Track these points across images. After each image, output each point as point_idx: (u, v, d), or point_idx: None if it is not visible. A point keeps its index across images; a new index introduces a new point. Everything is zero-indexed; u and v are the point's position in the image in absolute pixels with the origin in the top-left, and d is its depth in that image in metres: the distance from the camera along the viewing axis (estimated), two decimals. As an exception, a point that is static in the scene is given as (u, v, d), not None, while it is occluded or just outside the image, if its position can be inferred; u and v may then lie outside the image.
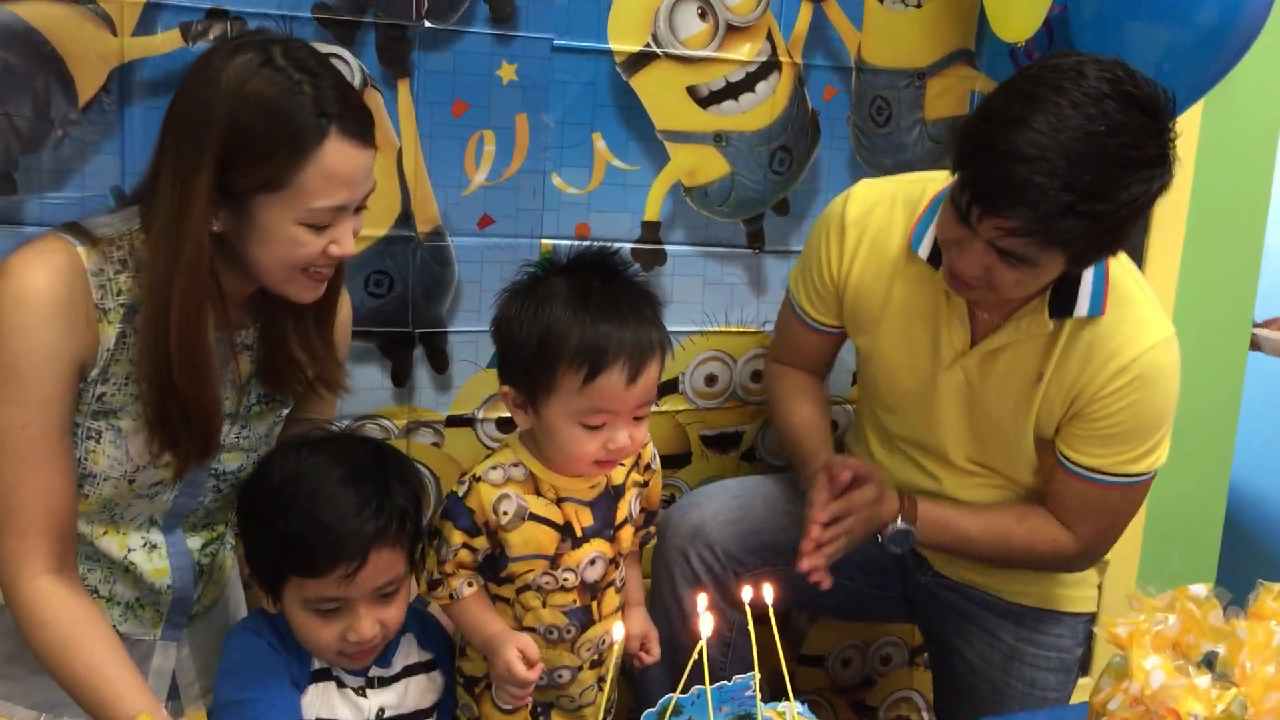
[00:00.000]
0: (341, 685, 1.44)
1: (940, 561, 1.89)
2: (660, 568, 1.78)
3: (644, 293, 1.47)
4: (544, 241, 1.88)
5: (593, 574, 1.51)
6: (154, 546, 1.46)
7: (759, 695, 1.25)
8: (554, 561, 1.48)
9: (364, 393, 1.81)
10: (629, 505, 1.54)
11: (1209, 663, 1.39)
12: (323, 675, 1.44)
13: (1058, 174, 1.38)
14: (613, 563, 1.53)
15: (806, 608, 2.02)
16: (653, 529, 1.64)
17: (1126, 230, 1.48)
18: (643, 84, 1.89)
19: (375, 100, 1.73)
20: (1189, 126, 2.28)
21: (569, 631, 1.51)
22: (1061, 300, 1.61)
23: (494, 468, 1.47)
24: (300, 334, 1.45)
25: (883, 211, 1.73)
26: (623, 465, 1.53)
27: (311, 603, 1.37)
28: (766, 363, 2.00)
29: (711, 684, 1.20)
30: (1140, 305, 1.65)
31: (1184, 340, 1.71)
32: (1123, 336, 1.62)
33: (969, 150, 1.47)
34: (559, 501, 1.48)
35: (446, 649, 1.56)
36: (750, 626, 1.30)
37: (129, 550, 1.44)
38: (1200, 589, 1.43)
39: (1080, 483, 1.69)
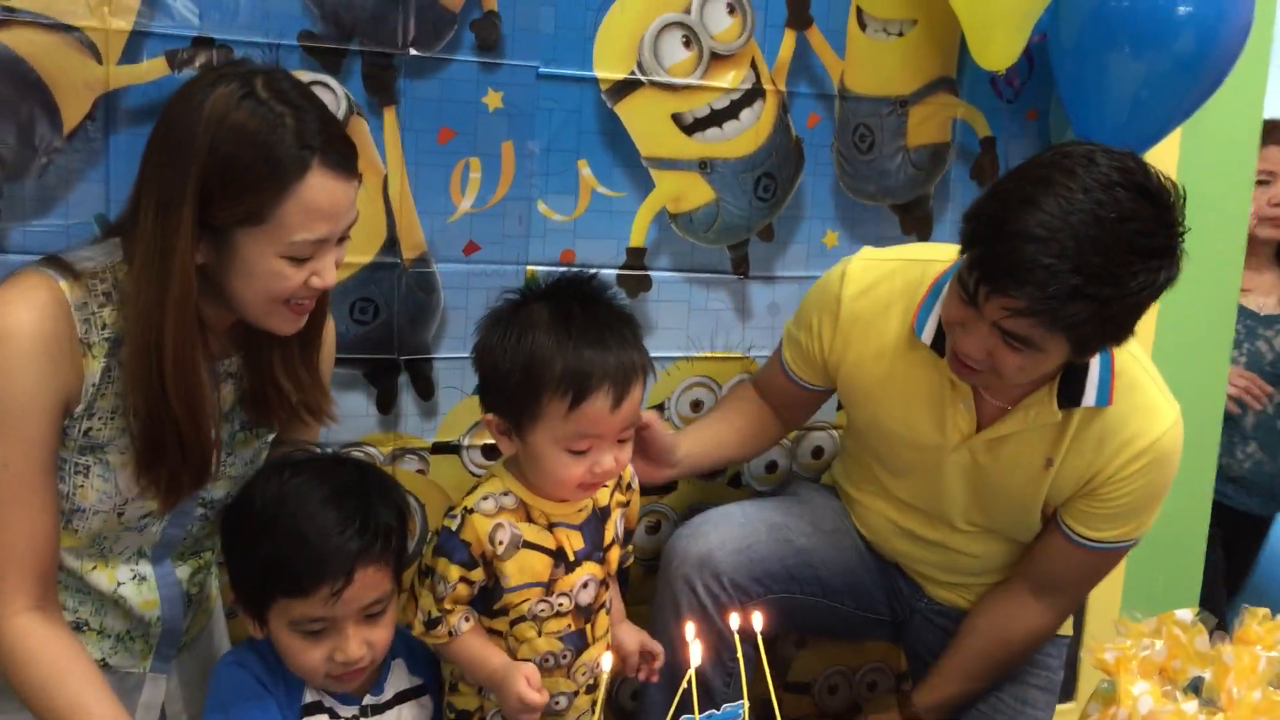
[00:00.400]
0: (335, 717, 1.43)
1: (934, 588, 1.90)
2: (665, 596, 1.76)
3: (624, 316, 1.47)
4: (529, 268, 1.88)
5: (585, 597, 1.51)
6: (143, 579, 1.45)
7: (748, 724, 1.25)
8: (549, 588, 1.48)
9: (349, 420, 1.80)
10: (615, 526, 1.55)
11: (1195, 688, 1.40)
12: (314, 709, 1.42)
13: (1067, 255, 1.39)
14: (602, 584, 1.53)
15: (798, 629, 2.01)
16: (630, 548, 1.64)
17: (1131, 321, 1.49)
18: (628, 111, 1.89)
19: (361, 128, 1.73)
20: (1167, 154, 2.31)
21: (565, 657, 1.50)
22: (1069, 391, 1.62)
23: (485, 498, 1.47)
24: (285, 362, 1.44)
25: (882, 292, 1.73)
26: (606, 486, 1.54)
27: (298, 624, 1.36)
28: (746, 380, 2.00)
29: (704, 712, 1.20)
30: (1147, 391, 1.66)
31: (1165, 362, 1.72)
32: (1135, 426, 1.64)
33: (978, 230, 1.47)
34: (550, 527, 1.48)
35: (435, 674, 1.56)
36: (739, 654, 1.30)
37: (118, 584, 1.43)
38: (1186, 614, 1.45)
39: (1082, 553, 1.73)
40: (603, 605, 1.54)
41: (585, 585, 1.51)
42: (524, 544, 1.46)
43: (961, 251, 1.51)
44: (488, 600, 1.48)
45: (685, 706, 1.20)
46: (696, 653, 1.20)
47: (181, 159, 1.26)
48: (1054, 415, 1.63)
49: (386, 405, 1.84)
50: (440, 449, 1.88)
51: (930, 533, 1.82)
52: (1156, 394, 1.67)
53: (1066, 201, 1.40)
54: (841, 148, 2.06)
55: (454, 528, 1.45)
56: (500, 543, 1.44)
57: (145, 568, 1.45)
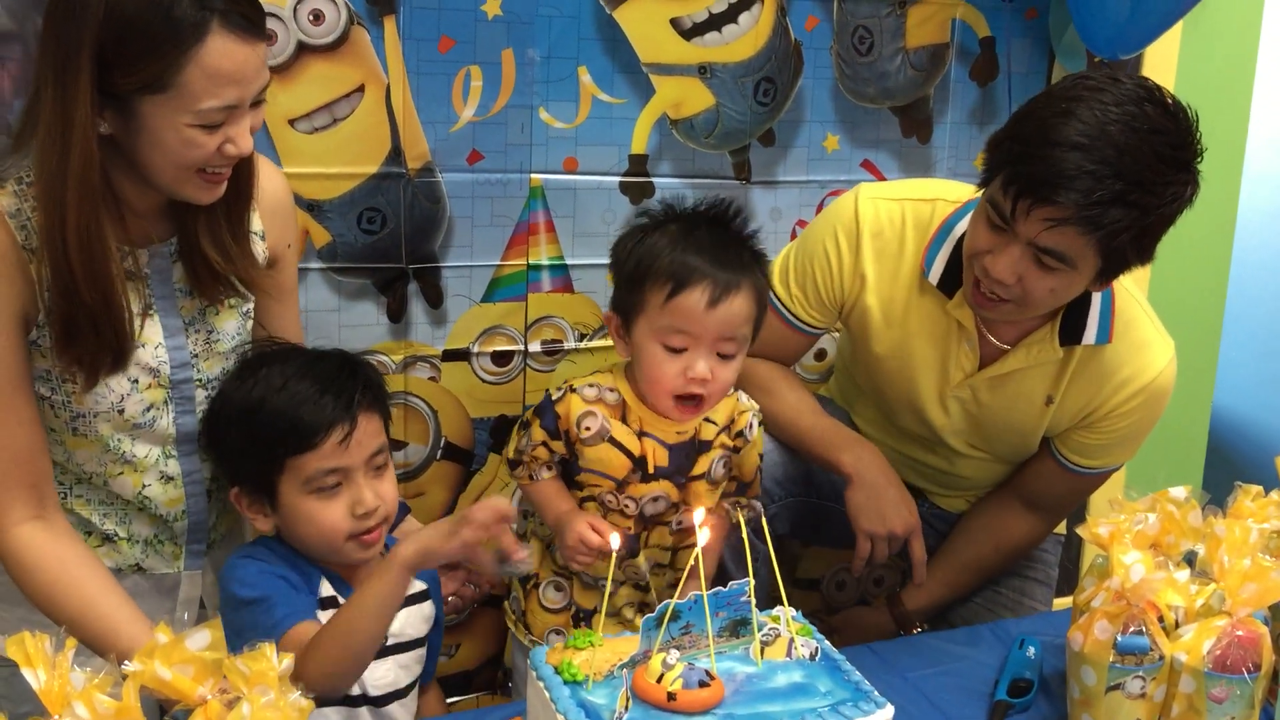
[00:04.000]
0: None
1: (935, 496, 1.94)
2: None
3: (750, 245, 1.52)
4: (533, 176, 1.90)
5: (652, 509, 1.56)
6: (170, 478, 1.47)
7: (754, 600, 1.29)
8: (620, 485, 1.53)
9: (360, 328, 1.84)
10: (711, 462, 1.57)
11: (1189, 561, 1.44)
12: (329, 603, 1.47)
13: (1109, 162, 1.41)
14: (674, 506, 1.57)
15: (808, 538, 2.05)
16: (744, 500, 1.64)
17: (1160, 235, 1.51)
18: (626, 17, 1.90)
19: (362, 38, 1.75)
20: (1165, 69, 2.31)
21: (618, 550, 1.55)
22: (1070, 328, 1.65)
23: (591, 385, 1.53)
24: (212, 233, 1.40)
25: (895, 231, 1.73)
26: (713, 423, 1.56)
27: (312, 482, 1.39)
28: None
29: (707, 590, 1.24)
30: (1145, 328, 1.70)
31: (1166, 262, 1.74)
32: (1135, 365, 1.68)
33: (1012, 148, 1.48)
34: (640, 434, 1.52)
35: (436, 581, 1.60)
36: (745, 534, 1.34)
37: (144, 486, 1.46)
38: (1180, 491, 1.48)
39: (1073, 478, 1.79)
40: (667, 524, 1.58)
41: (656, 499, 1.55)
42: (609, 439, 1.51)
43: (986, 178, 1.53)
44: (568, 471, 1.55)
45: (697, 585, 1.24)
46: (704, 535, 1.25)
47: (77, 22, 1.21)
48: (1055, 353, 1.67)
49: (396, 314, 1.87)
50: (450, 356, 1.92)
51: (929, 458, 1.86)
52: (1153, 331, 1.71)
53: (1101, 113, 1.43)
54: (840, 50, 2.06)
55: (554, 397, 1.53)
56: (587, 429, 1.51)
57: (172, 467, 1.47)
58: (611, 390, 1.53)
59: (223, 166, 1.32)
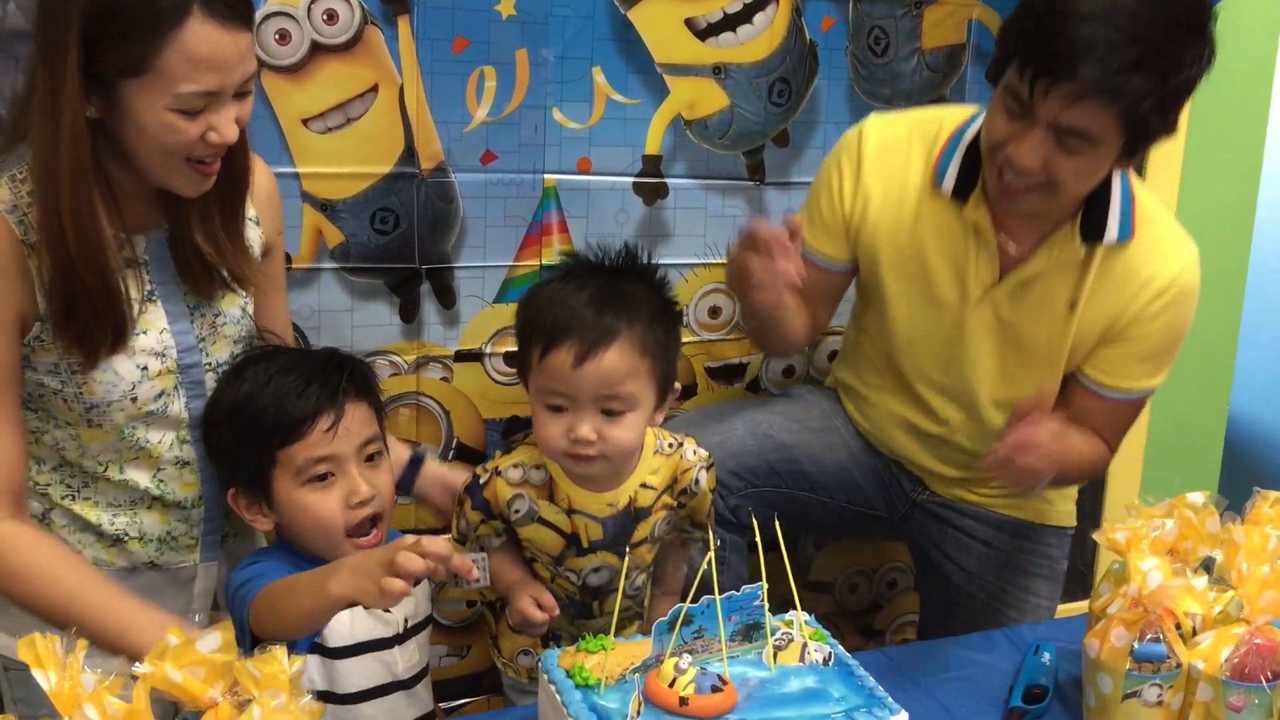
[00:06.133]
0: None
1: (936, 483, 1.92)
2: None
3: (654, 293, 1.46)
4: (546, 176, 1.89)
5: (595, 579, 1.53)
6: (185, 464, 1.47)
7: (766, 604, 1.29)
8: (558, 560, 1.51)
9: (372, 328, 1.84)
10: (653, 526, 1.53)
11: (1207, 567, 1.43)
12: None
13: (1122, 29, 1.41)
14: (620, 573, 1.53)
15: (795, 527, 2.03)
16: (697, 535, 1.62)
17: (1180, 104, 1.49)
18: (641, 17, 1.89)
19: (375, 37, 1.74)
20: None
21: (569, 610, 1.55)
22: (1092, 223, 1.63)
23: (515, 465, 1.49)
24: (204, 224, 1.41)
25: (900, 149, 1.72)
26: (651, 489, 1.51)
27: (304, 472, 1.40)
28: None
29: (719, 594, 1.24)
30: (1166, 226, 1.68)
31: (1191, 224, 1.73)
32: (1157, 261, 1.66)
33: (1025, 28, 1.47)
34: (569, 512, 1.49)
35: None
36: (758, 540, 1.34)
37: (159, 472, 1.46)
38: (1198, 497, 1.46)
39: (1107, 404, 1.75)
40: (616, 590, 1.52)
41: (598, 570, 1.52)
42: (539, 519, 1.49)
43: (997, 70, 1.52)
44: (513, 536, 1.53)
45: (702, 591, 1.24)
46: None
47: (65, 4, 1.23)
48: (1076, 251, 1.64)
49: (409, 314, 1.87)
50: (463, 357, 1.92)
51: (932, 426, 1.82)
52: (1173, 230, 1.69)
53: None
54: (856, 51, 2.05)
55: (481, 481, 1.49)
56: (517, 511, 1.48)
57: (187, 451, 1.47)
58: (537, 468, 1.48)
59: (209, 156, 1.33)
